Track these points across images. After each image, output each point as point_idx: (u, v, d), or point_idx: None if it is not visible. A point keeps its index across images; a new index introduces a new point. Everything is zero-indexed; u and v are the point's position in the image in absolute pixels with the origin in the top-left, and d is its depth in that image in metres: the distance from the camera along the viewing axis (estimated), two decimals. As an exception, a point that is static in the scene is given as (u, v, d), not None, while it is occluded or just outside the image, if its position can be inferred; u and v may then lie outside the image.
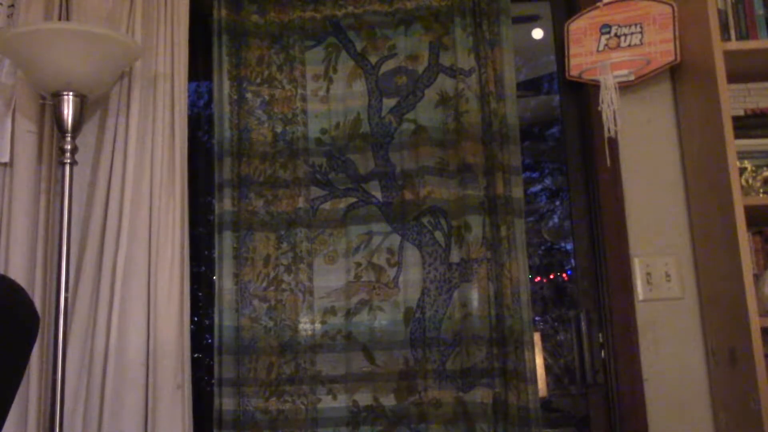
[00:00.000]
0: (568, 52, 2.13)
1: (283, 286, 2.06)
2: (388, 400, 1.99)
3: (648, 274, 2.03)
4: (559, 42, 2.21)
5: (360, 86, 2.16)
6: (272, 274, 2.07)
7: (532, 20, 2.70)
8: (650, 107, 2.12)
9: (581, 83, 2.14)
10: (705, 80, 1.89)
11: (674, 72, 2.10)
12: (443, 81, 2.12)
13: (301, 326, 2.04)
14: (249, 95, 2.16)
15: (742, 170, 1.89)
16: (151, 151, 2.04)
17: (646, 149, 2.10)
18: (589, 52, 2.11)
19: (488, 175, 2.04)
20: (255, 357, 2.02)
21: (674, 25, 2.04)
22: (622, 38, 2.08)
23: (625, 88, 2.09)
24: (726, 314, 1.85)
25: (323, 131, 2.14)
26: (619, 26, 2.09)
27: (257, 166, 2.12)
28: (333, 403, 2.00)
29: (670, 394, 1.97)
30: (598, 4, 2.12)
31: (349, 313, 2.04)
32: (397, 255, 2.06)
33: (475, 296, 1.98)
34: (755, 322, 1.69)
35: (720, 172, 1.81)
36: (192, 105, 2.54)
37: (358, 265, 2.07)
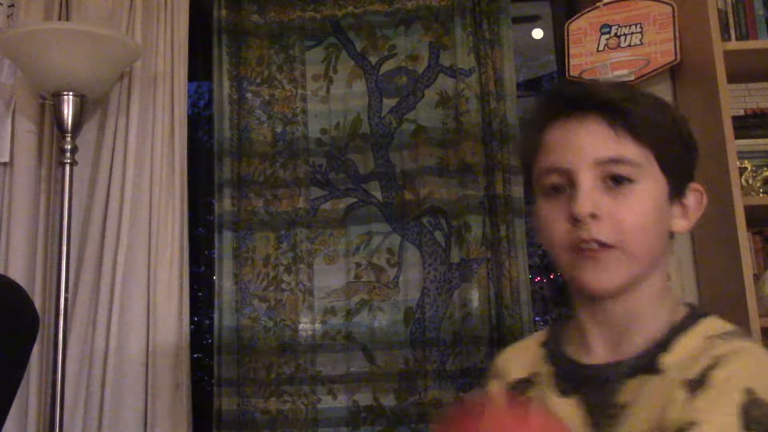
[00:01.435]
0: (568, 52, 2.13)
1: (283, 286, 2.06)
2: (388, 400, 1.99)
3: (648, 274, 2.02)
4: (559, 42, 2.20)
5: (360, 86, 2.16)
6: (272, 274, 2.07)
7: (532, 20, 2.70)
8: (650, 107, 2.11)
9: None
10: (705, 80, 1.89)
11: (674, 72, 2.10)
12: (443, 81, 2.12)
13: (301, 326, 2.04)
14: (249, 95, 2.16)
15: (742, 170, 1.89)
16: (151, 151, 2.03)
17: (646, 149, 2.09)
18: (589, 52, 2.10)
19: (488, 175, 2.04)
20: (255, 357, 2.02)
21: (674, 25, 2.04)
22: (622, 38, 2.08)
23: (625, 88, 2.08)
24: (726, 314, 1.84)
25: (323, 131, 2.14)
26: (619, 26, 2.09)
27: (257, 166, 2.12)
28: (333, 403, 2.00)
29: (670, 394, 1.96)
30: (598, 4, 2.12)
31: (349, 313, 2.04)
32: (397, 255, 2.06)
33: (475, 296, 1.98)
34: (755, 323, 1.69)
35: (720, 172, 1.81)
36: (192, 105, 2.54)
37: (358, 265, 2.07)
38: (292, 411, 1.99)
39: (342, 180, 2.12)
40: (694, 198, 0.92)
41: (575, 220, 0.81)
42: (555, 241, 0.85)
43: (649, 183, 0.83)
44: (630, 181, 0.82)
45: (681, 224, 0.90)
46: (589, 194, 0.81)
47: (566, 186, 0.83)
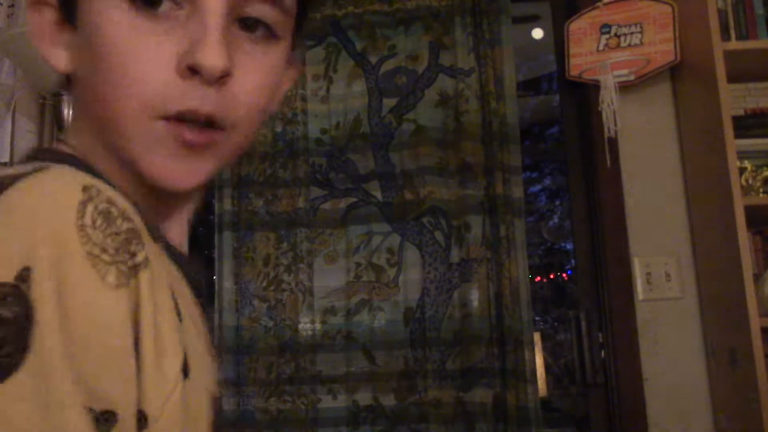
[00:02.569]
0: (568, 52, 2.13)
1: (283, 286, 2.07)
2: (388, 400, 1.99)
3: (648, 274, 2.03)
4: (559, 42, 2.20)
5: (360, 86, 2.16)
6: (272, 274, 2.07)
7: (532, 20, 2.71)
8: (650, 107, 2.12)
9: (581, 83, 2.14)
10: (705, 80, 1.89)
11: (674, 72, 2.10)
12: (443, 81, 2.12)
13: (301, 326, 2.04)
14: (249, 95, 2.16)
15: (742, 170, 1.88)
16: (151, 151, 2.03)
17: (646, 149, 2.10)
18: (589, 52, 2.10)
19: (488, 175, 2.04)
20: (255, 357, 2.02)
21: (674, 25, 2.04)
22: (622, 38, 2.08)
23: (625, 88, 2.08)
24: (726, 314, 1.85)
25: (323, 131, 2.14)
26: (619, 26, 2.09)
27: (257, 166, 2.12)
28: (333, 403, 2.00)
29: (670, 394, 1.97)
30: (598, 4, 2.12)
31: (349, 313, 2.05)
32: (397, 255, 2.06)
33: (475, 296, 1.98)
34: (755, 322, 1.69)
35: (720, 172, 1.81)
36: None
37: (358, 265, 2.07)
38: (292, 411, 1.99)
39: (342, 180, 2.12)
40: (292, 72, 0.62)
41: (193, 72, 0.49)
42: (140, 94, 0.49)
43: (286, 45, 0.55)
44: (274, 35, 0.54)
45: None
46: (225, 36, 0.50)
47: (182, 3, 0.50)
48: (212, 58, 0.48)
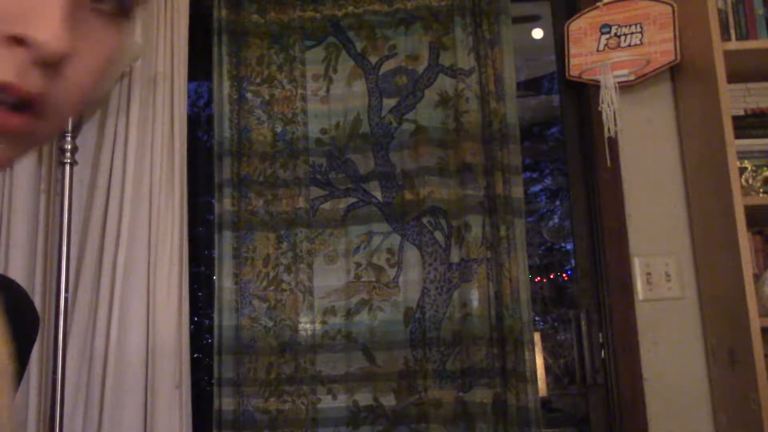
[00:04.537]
0: (568, 52, 2.13)
1: (283, 286, 2.06)
2: (388, 400, 1.99)
3: (648, 274, 2.03)
4: (559, 42, 2.21)
5: (360, 86, 2.16)
6: (272, 274, 2.07)
7: (532, 20, 2.70)
8: (650, 107, 2.12)
9: (581, 83, 2.14)
10: (705, 80, 1.89)
11: (674, 72, 2.10)
12: (443, 81, 2.12)
13: (301, 326, 2.04)
14: (249, 95, 2.16)
15: (742, 170, 1.89)
16: (151, 151, 2.03)
17: (646, 149, 2.10)
18: (589, 52, 2.10)
19: (488, 175, 2.04)
20: (255, 357, 2.02)
21: (674, 25, 2.04)
22: (622, 38, 2.08)
23: (625, 88, 2.09)
24: (726, 314, 1.85)
25: (323, 131, 2.14)
26: (619, 26, 2.09)
27: (257, 166, 2.12)
28: (333, 403, 2.00)
29: (670, 394, 1.97)
30: (598, 4, 2.12)
31: (349, 313, 2.04)
32: (397, 255, 2.06)
33: (475, 296, 1.98)
34: (755, 322, 1.69)
35: (720, 172, 1.81)
36: (192, 105, 2.54)
37: (358, 265, 2.07)
38: (292, 411, 1.99)
39: (342, 180, 2.12)
40: None
41: (20, 43, 0.35)
42: None
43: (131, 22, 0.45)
44: (126, 11, 0.43)
45: None
46: (71, 6, 0.37)
47: None
48: (53, 35, 0.35)
